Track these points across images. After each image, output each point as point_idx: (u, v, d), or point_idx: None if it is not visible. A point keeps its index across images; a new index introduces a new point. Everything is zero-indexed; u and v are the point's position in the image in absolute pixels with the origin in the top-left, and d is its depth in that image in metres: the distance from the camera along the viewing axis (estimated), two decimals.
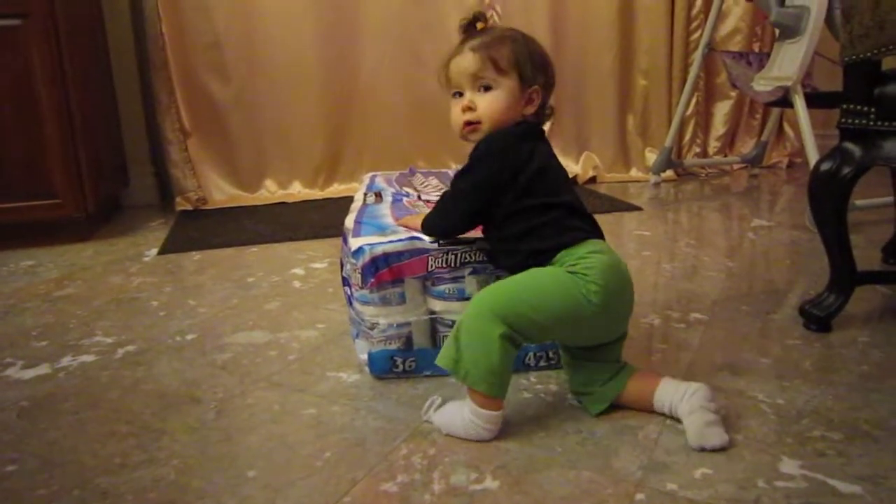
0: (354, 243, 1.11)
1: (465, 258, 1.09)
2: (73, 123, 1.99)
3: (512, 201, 1.00)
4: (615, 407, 1.01)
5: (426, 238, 1.09)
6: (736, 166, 3.09)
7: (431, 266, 1.09)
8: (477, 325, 0.93)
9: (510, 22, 2.77)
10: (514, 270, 1.01)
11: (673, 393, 0.96)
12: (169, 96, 2.48)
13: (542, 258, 0.99)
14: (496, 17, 2.73)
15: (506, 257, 1.05)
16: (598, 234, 1.03)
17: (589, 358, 1.02)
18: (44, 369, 1.22)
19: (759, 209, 2.44)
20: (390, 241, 1.09)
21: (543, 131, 1.08)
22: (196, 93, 2.56)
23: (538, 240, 0.99)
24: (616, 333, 1.02)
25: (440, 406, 0.99)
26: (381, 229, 1.14)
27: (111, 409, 1.07)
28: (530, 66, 1.02)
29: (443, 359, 0.96)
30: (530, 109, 1.03)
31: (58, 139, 1.97)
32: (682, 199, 2.59)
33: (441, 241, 1.09)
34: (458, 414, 0.96)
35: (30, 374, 1.20)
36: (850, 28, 1.18)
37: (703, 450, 0.90)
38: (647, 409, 0.99)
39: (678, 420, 0.95)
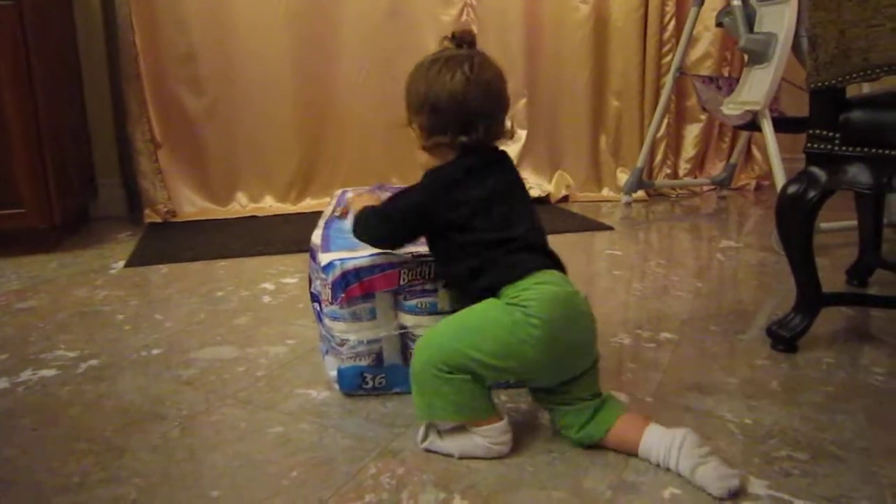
0: (324, 258, 1.10)
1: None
2: (40, 132, 1.95)
3: (457, 237, 0.98)
4: None
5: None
6: (705, 188, 3.14)
7: (404, 279, 1.08)
8: (425, 376, 0.93)
9: (485, 42, 2.79)
10: (465, 304, 0.99)
11: (660, 444, 0.90)
12: (140, 107, 2.45)
13: (488, 294, 0.96)
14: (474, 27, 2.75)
15: (460, 295, 1.04)
16: (553, 265, 0.99)
17: (561, 401, 0.97)
18: (2, 383, 1.19)
19: (728, 230, 2.48)
20: (361, 256, 1.08)
21: (500, 157, 1.05)
22: (168, 104, 2.53)
23: (484, 278, 0.96)
24: (578, 368, 0.96)
25: (438, 434, 0.96)
26: (353, 246, 1.13)
27: (71, 426, 1.04)
28: (408, 105, 1.04)
29: (419, 413, 0.96)
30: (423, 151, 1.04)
31: (24, 148, 1.93)
32: (653, 220, 2.62)
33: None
34: (471, 440, 0.94)
35: None
36: (816, 55, 1.21)
37: (732, 494, 0.85)
38: (632, 455, 0.94)
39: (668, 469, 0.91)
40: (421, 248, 1.10)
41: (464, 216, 0.97)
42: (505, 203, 1.00)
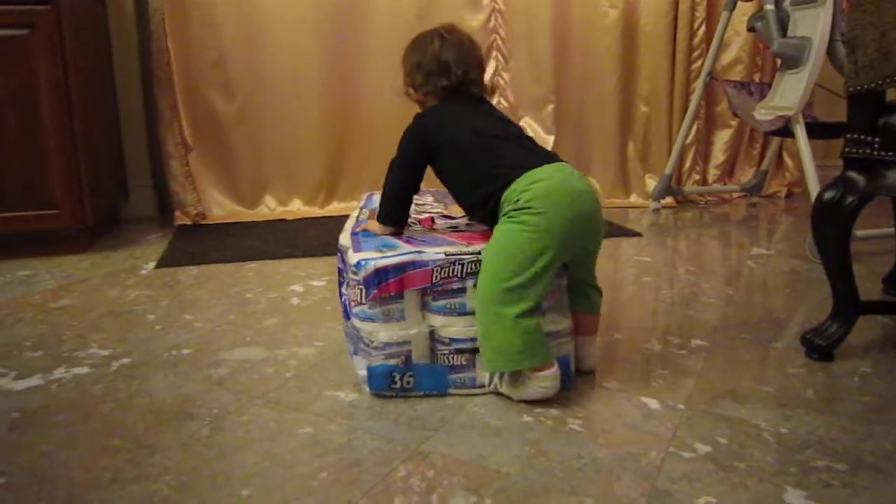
0: (355, 257, 1.10)
1: (471, 269, 1.09)
2: (74, 135, 1.98)
3: (451, 155, 1.17)
4: (617, 432, 1.00)
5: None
6: (735, 195, 3.10)
7: (436, 277, 1.08)
8: (488, 318, 1.06)
9: (513, 47, 2.79)
10: (488, 222, 1.15)
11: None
12: (172, 111, 2.48)
13: (492, 201, 1.11)
14: (500, 36, 2.75)
15: (474, 212, 1.21)
16: (548, 159, 1.13)
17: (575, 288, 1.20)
18: (36, 380, 1.20)
19: (758, 238, 2.44)
20: (393, 255, 1.08)
21: (480, 99, 1.25)
22: (199, 108, 2.56)
23: (486, 185, 1.12)
24: (595, 238, 1.18)
25: (500, 379, 1.11)
26: (382, 246, 1.13)
27: (104, 423, 1.05)
28: (404, 74, 1.28)
29: (487, 366, 1.09)
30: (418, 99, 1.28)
31: (59, 150, 1.97)
32: (682, 226, 2.59)
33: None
34: (527, 386, 1.08)
35: (22, 384, 1.19)
36: (854, 58, 1.18)
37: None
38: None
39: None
40: (452, 247, 1.10)
41: (450, 134, 1.17)
42: (487, 121, 1.19)
